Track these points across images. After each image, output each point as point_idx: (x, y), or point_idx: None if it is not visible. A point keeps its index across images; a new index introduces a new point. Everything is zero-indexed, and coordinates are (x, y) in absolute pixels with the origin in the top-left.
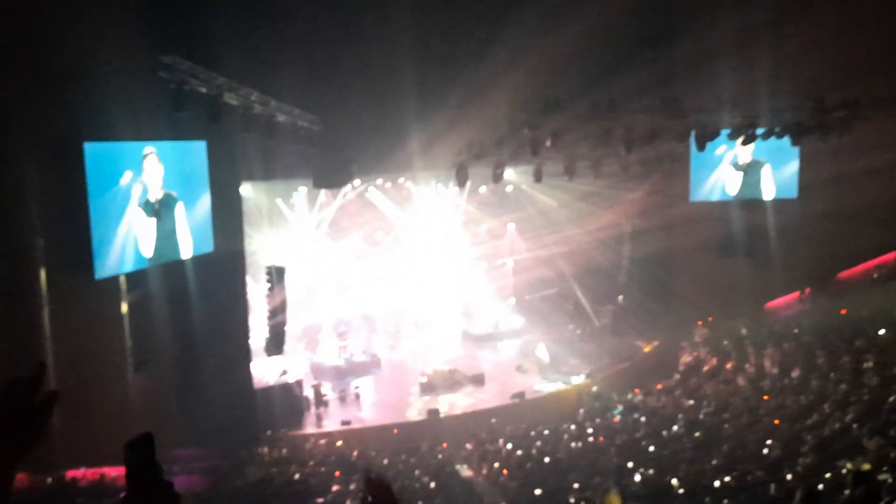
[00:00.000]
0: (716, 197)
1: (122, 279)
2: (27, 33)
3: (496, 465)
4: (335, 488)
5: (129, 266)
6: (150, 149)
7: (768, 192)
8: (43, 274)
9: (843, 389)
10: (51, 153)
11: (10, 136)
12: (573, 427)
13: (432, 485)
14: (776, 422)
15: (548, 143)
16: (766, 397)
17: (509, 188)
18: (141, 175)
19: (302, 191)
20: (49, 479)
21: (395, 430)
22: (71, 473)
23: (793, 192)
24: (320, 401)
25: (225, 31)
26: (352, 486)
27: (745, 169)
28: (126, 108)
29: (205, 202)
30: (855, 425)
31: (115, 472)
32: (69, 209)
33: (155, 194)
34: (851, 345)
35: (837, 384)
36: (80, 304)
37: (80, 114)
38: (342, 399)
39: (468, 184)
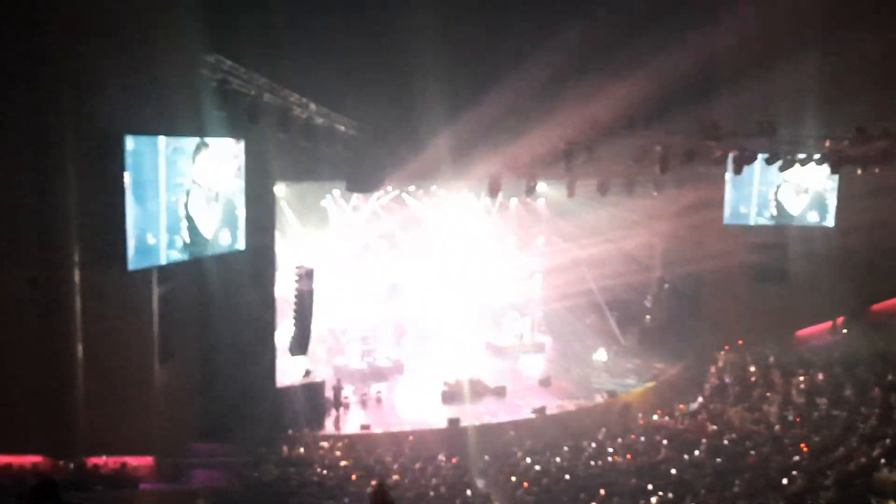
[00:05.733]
0: (750, 221)
1: (154, 272)
2: (73, 27)
3: (513, 478)
4: (352, 491)
5: (161, 259)
6: (205, 144)
7: (802, 218)
8: (76, 263)
9: (872, 424)
10: (90, 144)
11: (51, 127)
12: (593, 445)
13: (448, 495)
14: (803, 447)
15: (582, 159)
16: (798, 419)
17: (541, 201)
18: (179, 170)
19: (335, 193)
20: (71, 465)
21: (413, 437)
22: (93, 461)
23: (829, 221)
24: (341, 403)
25: (268, 34)
26: (368, 490)
27: (781, 194)
28: (167, 104)
29: (239, 200)
30: (882, 461)
31: (137, 461)
32: (106, 200)
33: (208, 195)
34: (882, 379)
35: (866, 419)
36: (112, 294)
37: (121, 107)
38: (363, 403)
39: (500, 195)
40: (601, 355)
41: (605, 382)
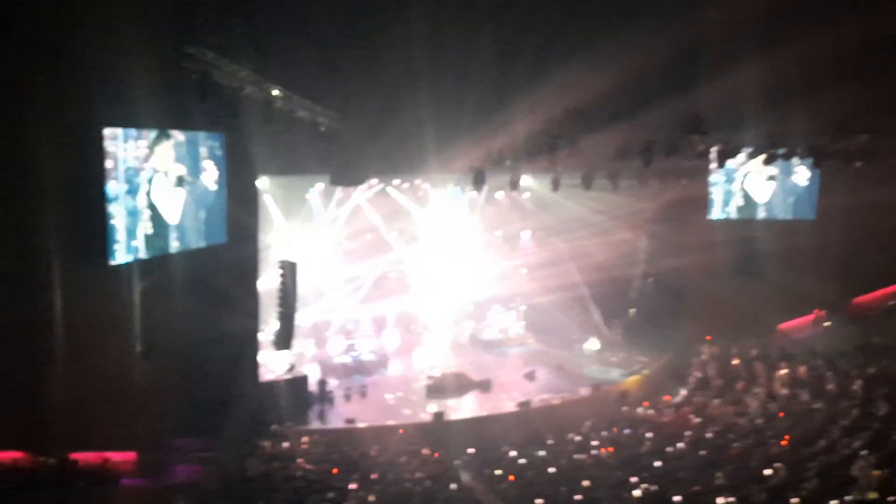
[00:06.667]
0: (733, 215)
1: (136, 266)
2: (49, 18)
3: (498, 472)
4: (336, 486)
5: (142, 253)
6: (166, 135)
7: (783, 213)
8: (56, 258)
9: (853, 416)
10: (69, 137)
11: (29, 120)
12: (578, 438)
13: (433, 488)
14: (785, 442)
15: (566, 152)
16: (781, 413)
17: (526, 195)
18: (159, 162)
19: (318, 187)
20: (51, 461)
21: (400, 431)
22: (74, 456)
23: (811, 214)
24: (325, 397)
25: (249, 25)
26: (352, 486)
27: (765, 188)
28: (147, 96)
29: (221, 194)
30: (863, 453)
31: (118, 456)
32: (86, 194)
33: (170, 182)
34: (863, 371)
35: (847, 411)
36: (92, 288)
37: (100, 99)
38: (347, 397)
39: (485, 189)
40: (593, 345)
41: (597, 371)
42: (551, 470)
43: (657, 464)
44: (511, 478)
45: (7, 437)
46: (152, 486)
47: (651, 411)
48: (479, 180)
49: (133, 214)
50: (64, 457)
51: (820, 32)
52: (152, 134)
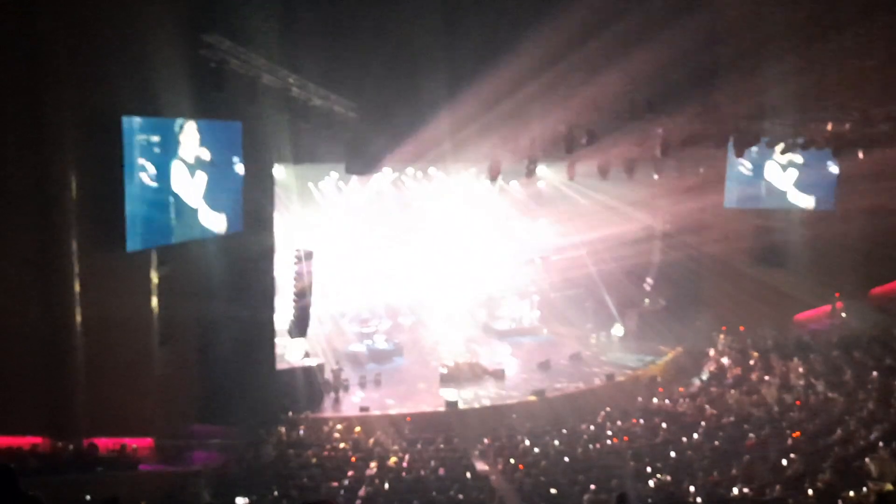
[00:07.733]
0: (751, 205)
1: (153, 253)
2: (70, 7)
3: (512, 460)
4: (350, 473)
5: (160, 240)
6: (189, 123)
7: (802, 202)
8: (75, 245)
9: (870, 408)
10: (88, 126)
11: (48, 108)
12: (592, 428)
13: (447, 477)
14: (796, 434)
15: (583, 142)
16: (797, 402)
17: (542, 184)
18: (177, 150)
19: (333, 176)
20: (71, 447)
21: (412, 420)
22: (92, 441)
23: (830, 205)
24: (340, 385)
25: (266, 13)
26: (367, 472)
27: (783, 178)
28: (165, 85)
29: (237, 182)
30: (880, 445)
31: (136, 442)
32: (104, 181)
33: (192, 166)
34: (880, 363)
35: (864, 402)
36: (111, 276)
37: (119, 88)
38: (362, 385)
39: (500, 178)
40: (618, 330)
41: (619, 358)
42: (566, 459)
43: (672, 454)
44: (521, 466)
45: (26, 423)
46: (170, 471)
47: (666, 401)
48: (494, 169)
49: (153, 203)
50: (83, 442)
51: (843, 21)
52: (177, 123)
